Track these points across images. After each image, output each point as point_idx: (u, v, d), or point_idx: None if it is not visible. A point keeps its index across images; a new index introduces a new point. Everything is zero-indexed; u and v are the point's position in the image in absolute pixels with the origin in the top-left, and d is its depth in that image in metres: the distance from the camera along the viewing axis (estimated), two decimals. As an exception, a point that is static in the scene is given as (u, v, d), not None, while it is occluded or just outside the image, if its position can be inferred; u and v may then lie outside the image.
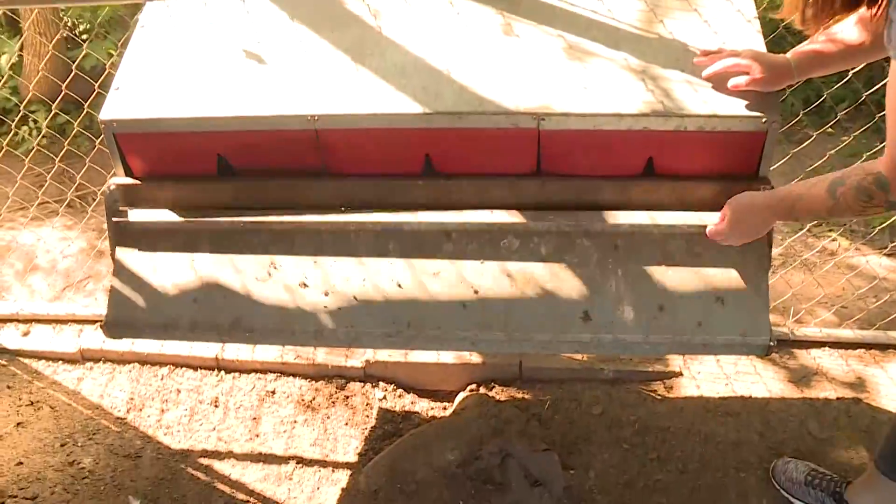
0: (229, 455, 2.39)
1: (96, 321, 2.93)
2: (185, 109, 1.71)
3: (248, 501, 2.25)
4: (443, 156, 1.72)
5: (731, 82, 1.56)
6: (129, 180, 1.81)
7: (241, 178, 1.79)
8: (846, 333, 2.61)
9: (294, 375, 2.66)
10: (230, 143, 1.74)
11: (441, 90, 1.70)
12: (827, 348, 2.58)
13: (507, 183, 1.72)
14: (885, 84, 1.26)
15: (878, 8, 1.22)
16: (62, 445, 2.46)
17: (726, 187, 1.67)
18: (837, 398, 2.41)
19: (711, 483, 2.19)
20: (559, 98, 1.65)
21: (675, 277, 1.66)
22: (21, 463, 2.40)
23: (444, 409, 2.54)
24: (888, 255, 3.05)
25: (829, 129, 3.24)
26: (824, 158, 2.64)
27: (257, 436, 2.46)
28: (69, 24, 4.49)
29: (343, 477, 2.29)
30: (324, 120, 1.67)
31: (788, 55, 1.56)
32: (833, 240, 3.16)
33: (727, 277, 1.65)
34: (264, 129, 1.70)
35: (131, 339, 2.67)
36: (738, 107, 1.57)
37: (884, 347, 2.58)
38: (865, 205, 1.30)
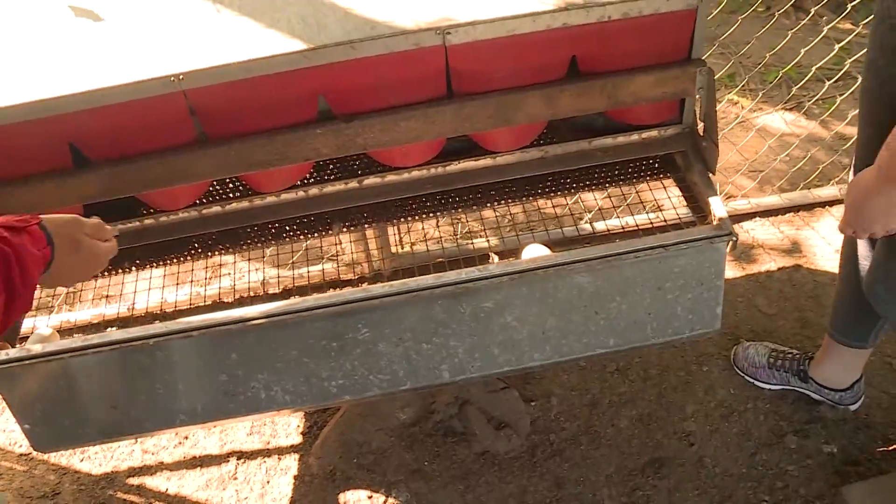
0: (160, 467, 2.13)
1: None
2: (14, 93, 1.38)
3: (193, 515, 2.02)
4: (339, 95, 1.47)
5: None
6: (-36, 192, 1.48)
7: (106, 165, 1.49)
8: (772, 200, 2.57)
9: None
10: (82, 127, 1.43)
11: (323, 19, 1.44)
12: (758, 218, 2.53)
13: (419, 114, 1.49)
14: None
15: None
16: (-39, 504, 2.13)
17: (659, 77, 1.52)
18: (779, 268, 2.36)
19: (676, 383, 2.10)
20: (461, 6, 1.42)
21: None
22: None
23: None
24: (788, 109, 3.02)
25: (759, 9, 3.16)
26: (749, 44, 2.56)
27: (186, 438, 2.20)
28: None
29: (292, 463, 2.08)
30: (191, 78, 1.38)
31: None
32: (735, 103, 3.09)
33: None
34: (121, 100, 1.39)
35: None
36: (663, -15, 1.40)
37: (810, 207, 2.56)
38: None
